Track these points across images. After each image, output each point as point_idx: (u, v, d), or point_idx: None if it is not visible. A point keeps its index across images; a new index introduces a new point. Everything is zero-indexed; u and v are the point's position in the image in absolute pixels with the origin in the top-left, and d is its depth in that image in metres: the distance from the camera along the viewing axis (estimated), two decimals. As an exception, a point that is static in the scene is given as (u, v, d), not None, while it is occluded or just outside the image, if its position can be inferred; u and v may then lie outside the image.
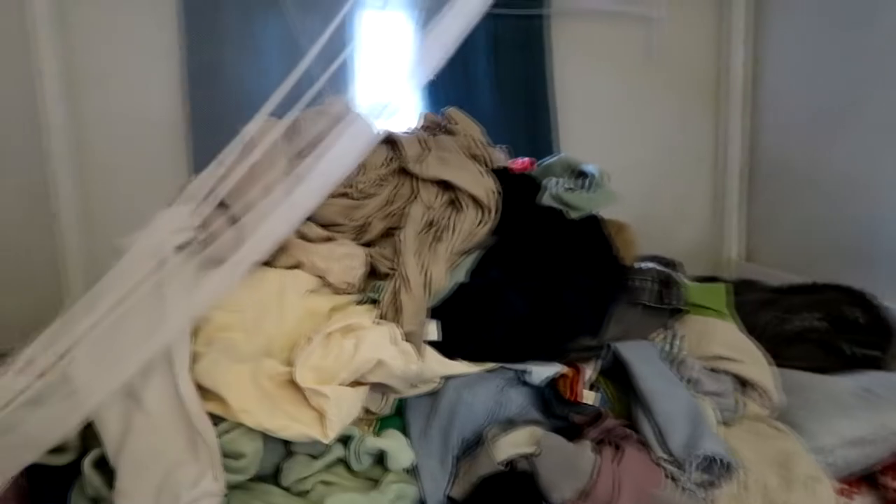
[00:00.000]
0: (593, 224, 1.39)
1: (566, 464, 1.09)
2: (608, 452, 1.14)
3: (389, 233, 1.37)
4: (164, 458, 0.98)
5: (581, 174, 1.63)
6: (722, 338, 1.42)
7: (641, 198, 2.70)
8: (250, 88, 2.27)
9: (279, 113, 1.42)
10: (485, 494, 1.07)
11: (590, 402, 1.25)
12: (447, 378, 1.21)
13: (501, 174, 1.51)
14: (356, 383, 1.10)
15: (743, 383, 1.41)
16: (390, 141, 1.46)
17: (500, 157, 1.60)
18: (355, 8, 2.42)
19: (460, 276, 1.30)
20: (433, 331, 1.24)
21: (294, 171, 1.22)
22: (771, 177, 2.80)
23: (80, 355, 1.02)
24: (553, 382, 1.27)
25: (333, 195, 1.32)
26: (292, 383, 1.05)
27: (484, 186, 1.38)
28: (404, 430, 1.18)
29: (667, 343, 1.42)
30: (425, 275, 1.22)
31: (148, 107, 2.43)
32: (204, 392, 1.04)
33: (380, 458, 1.12)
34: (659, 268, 1.50)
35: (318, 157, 1.23)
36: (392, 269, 1.26)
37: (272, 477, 1.09)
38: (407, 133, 1.53)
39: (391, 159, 1.45)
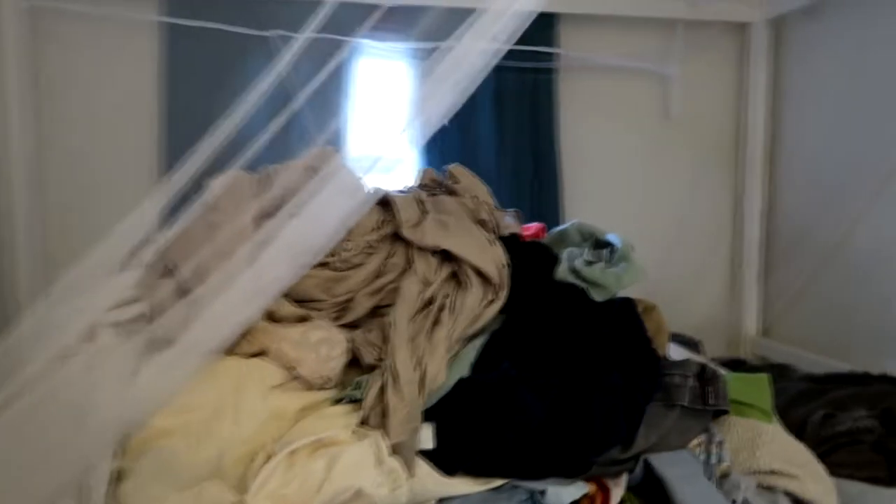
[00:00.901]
0: (626, 307, 1.16)
1: None
2: None
3: (378, 312, 1.14)
4: None
5: (601, 244, 1.42)
6: (775, 447, 1.18)
7: (653, 267, 2.48)
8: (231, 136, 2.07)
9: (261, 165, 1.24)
10: None
11: (620, 531, 1.01)
12: (444, 500, 0.97)
13: (511, 243, 1.29)
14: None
15: (798, 502, 1.17)
16: (383, 201, 1.24)
17: (509, 222, 1.38)
18: (352, 54, 2.25)
19: (463, 368, 1.06)
20: (427, 437, 1.00)
21: (259, 231, 1.00)
22: (790, 247, 2.61)
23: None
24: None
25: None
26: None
27: (492, 258, 1.16)
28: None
29: (706, 452, 1.18)
30: (420, 369, 0.98)
31: (120, 151, 2.24)
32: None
33: None
34: (697, 358, 1.28)
35: (291, 216, 1.02)
36: (379, 359, 1.02)
37: None
38: (402, 192, 1.32)
39: (382, 223, 1.23)
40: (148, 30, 2.20)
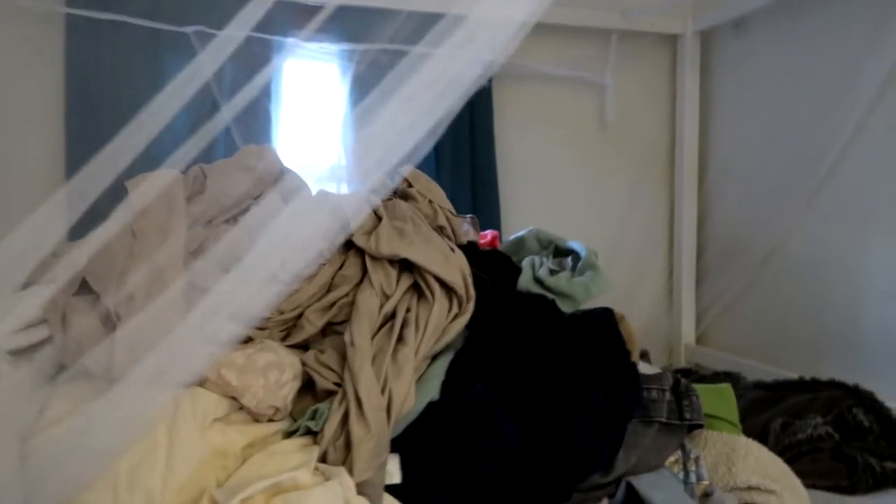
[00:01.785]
0: (605, 319, 1.08)
1: None
2: None
3: (330, 330, 1.01)
4: None
5: (562, 252, 1.34)
6: (751, 461, 1.13)
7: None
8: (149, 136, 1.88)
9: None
10: None
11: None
12: (415, 542, 0.85)
13: (469, 251, 1.19)
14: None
15: (777, 518, 1.12)
16: (331, 206, 1.12)
17: (466, 229, 1.28)
18: (277, 55, 2.11)
19: (432, 390, 0.94)
20: (393, 471, 0.88)
21: (197, 243, 0.86)
22: (724, 255, 2.63)
23: None
24: (554, 535, 0.93)
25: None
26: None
27: (457, 267, 1.05)
28: None
29: (684, 470, 1.12)
30: (386, 394, 0.86)
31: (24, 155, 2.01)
32: None
33: None
34: (668, 372, 1.21)
35: (235, 225, 0.88)
36: (337, 384, 0.89)
37: None
38: (351, 196, 1.20)
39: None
40: (56, 22, 1.99)
